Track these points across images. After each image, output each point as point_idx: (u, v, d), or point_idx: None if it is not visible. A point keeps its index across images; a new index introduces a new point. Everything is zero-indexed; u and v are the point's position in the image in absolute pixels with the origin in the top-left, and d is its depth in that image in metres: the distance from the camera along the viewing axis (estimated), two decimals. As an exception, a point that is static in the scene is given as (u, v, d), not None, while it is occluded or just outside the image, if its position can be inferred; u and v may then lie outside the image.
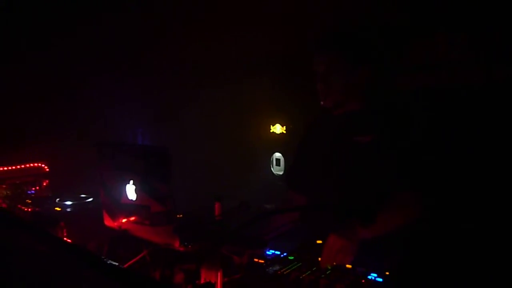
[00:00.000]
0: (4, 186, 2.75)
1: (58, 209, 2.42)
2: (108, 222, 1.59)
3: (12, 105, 3.25)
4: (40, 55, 3.20)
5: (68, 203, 2.48)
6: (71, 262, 0.97)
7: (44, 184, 2.98)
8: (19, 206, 2.40)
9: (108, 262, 0.90)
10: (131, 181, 1.46)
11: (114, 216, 1.56)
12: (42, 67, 3.25)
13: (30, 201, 2.54)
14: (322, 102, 1.91)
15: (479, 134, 2.21)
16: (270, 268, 1.63)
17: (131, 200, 1.47)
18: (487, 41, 2.42)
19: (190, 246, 1.31)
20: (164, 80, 3.89)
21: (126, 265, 1.42)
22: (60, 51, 3.26)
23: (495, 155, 2.14)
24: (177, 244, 1.31)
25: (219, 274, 1.26)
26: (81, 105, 3.55)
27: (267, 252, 1.78)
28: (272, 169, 3.76)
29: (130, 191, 1.47)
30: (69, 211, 2.41)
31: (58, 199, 2.53)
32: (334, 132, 1.94)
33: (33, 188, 2.88)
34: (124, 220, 1.45)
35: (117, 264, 0.91)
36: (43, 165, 3.04)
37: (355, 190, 1.83)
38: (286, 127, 3.68)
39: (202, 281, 1.25)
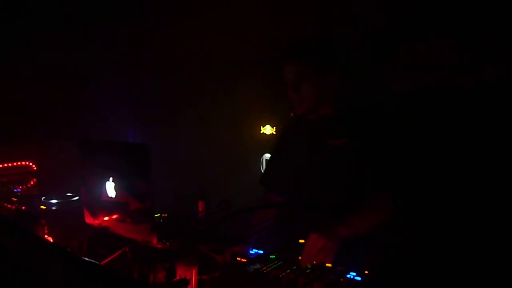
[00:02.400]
0: (-10, 184, 2.75)
1: (43, 207, 2.42)
2: (88, 219, 1.59)
3: (0, 104, 3.24)
4: (28, 55, 3.19)
5: (53, 201, 2.48)
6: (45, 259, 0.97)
7: (31, 182, 2.98)
8: (3, 204, 2.39)
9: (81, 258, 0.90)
10: (111, 179, 1.46)
11: (94, 214, 1.56)
12: (30, 67, 3.24)
13: (15, 199, 2.54)
14: (294, 110, 1.92)
15: (459, 134, 2.24)
16: (251, 266, 1.64)
17: (111, 197, 1.47)
18: (477, 45, 2.44)
19: (168, 243, 1.31)
20: (156, 81, 3.90)
21: (103, 262, 1.42)
22: (49, 51, 3.26)
23: (472, 154, 2.16)
24: (155, 241, 1.31)
25: (194, 271, 1.26)
26: (71, 104, 3.55)
27: (251, 252, 1.78)
28: (262, 169, 3.77)
29: (110, 188, 1.47)
30: (54, 209, 2.41)
31: (43, 197, 2.53)
32: (307, 136, 1.95)
33: (20, 187, 2.88)
34: (106, 218, 1.45)
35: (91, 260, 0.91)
36: (30, 164, 3.03)
37: (329, 192, 1.85)
38: (276, 128, 3.70)
39: (178, 278, 1.26)
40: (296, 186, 1.95)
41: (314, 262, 1.63)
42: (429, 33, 2.62)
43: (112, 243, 1.58)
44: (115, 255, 1.43)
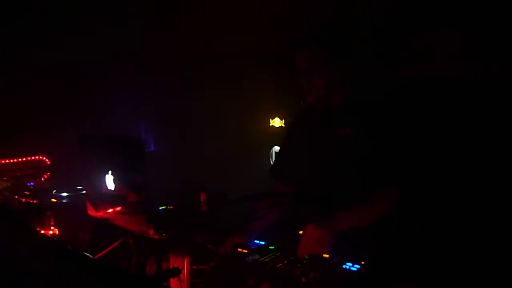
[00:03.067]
0: (5, 178, 2.83)
1: (54, 200, 2.49)
2: (91, 212, 1.64)
3: (14, 99, 3.32)
4: (40, 50, 3.27)
5: (64, 194, 2.54)
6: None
7: (45, 176, 3.05)
8: (16, 197, 2.46)
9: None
10: (110, 172, 1.50)
11: (96, 206, 1.61)
12: (43, 62, 3.31)
13: (28, 193, 2.61)
14: (304, 98, 1.92)
15: (467, 126, 2.22)
16: (250, 257, 1.67)
17: (111, 190, 1.52)
18: (483, 36, 2.41)
19: (164, 234, 1.34)
20: (166, 76, 3.94)
21: (99, 255, 1.46)
22: (60, 47, 3.32)
23: (480, 147, 2.14)
24: (151, 232, 1.35)
25: (186, 260, 1.30)
26: (84, 99, 3.61)
27: (253, 243, 1.81)
28: (271, 162, 3.79)
29: (109, 181, 1.52)
30: (64, 202, 2.48)
31: (54, 191, 2.60)
32: (316, 126, 1.96)
33: (33, 181, 2.95)
34: (110, 210, 1.50)
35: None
36: (44, 158, 3.10)
37: (337, 182, 1.85)
38: (285, 121, 3.71)
39: (170, 266, 1.29)
40: (304, 176, 1.96)
41: (311, 253, 1.65)
42: (436, 24, 2.60)
43: (113, 234, 1.63)
44: (112, 246, 1.47)
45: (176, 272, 1.26)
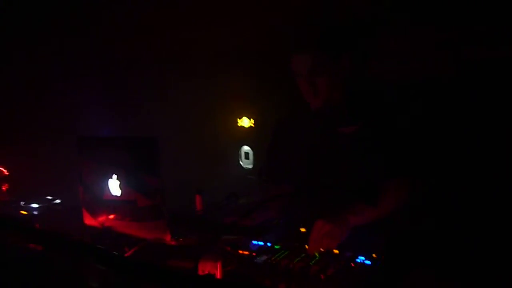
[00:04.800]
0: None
1: (24, 212, 2.31)
2: (88, 220, 1.52)
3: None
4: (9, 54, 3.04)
5: (34, 205, 2.36)
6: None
7: (4, 188, 2.84)
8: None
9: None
10: (114, 176, 1.40)
11: (95, 214, 1.49)
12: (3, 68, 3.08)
13: (-9, 206, 2.40)
14: (309, 102, 1.87)
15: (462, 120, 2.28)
16: (258, 258, 1.62)
17: (115, 196, 1.41)
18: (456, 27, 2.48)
19: (181, 240, 1.27)
20: (131, 74, 3.78)
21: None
22: (22, 50, 3.11)
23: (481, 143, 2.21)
24: (168, 238, 1.27)
25: (218, 265, 1.23)
26: (43, 104, 3.38)
27: (252, 243, 1.77)
28: (240, 162, 3.74)
29: (114, 186, 1.41)
30: (36, 214, 2.30)
31: (23, 202, 2.41)
32: (316, 124, 1.93)
33: (-7, 193, 2.73)
34: (111, 216, 1.39)
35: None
36: (1, 169, 2.89)
37: (341, 179, 1.85)
38: (254, 120, 3.67)
39: (201, 273, 1.22)
40: (305, 176, 1.93)
41: (321, 250, 1.63)
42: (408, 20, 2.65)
43: (116, 244, 1.51)
44: (129, 253, 1.36)
45: (211, 278, 1.19)
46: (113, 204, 1.42)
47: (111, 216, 1.44)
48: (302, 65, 1.79)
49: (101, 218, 1.47)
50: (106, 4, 3.14)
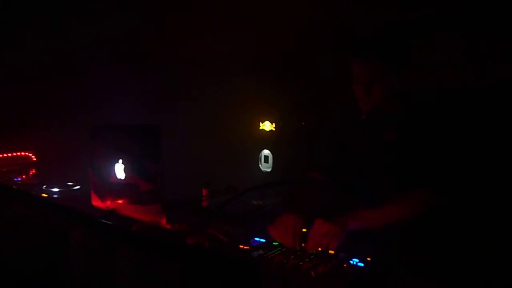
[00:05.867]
0: (-11, 174, 2.76)
1: (45, 195, 2.43)
2: (96, 202, 1.61)
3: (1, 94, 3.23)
4: (27, 45, 3.19)
5: (55, 189, 2.49)
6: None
7: (31, 173, 2.99)
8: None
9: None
10: (120, 161, 1.48)
11: (102, 196, 1.57)
12: (28, 57, 3.23)
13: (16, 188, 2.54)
14: (361, 105, 1.91)
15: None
16: (255, 252, 1.66)
17: (120, 179, 1.49)
18: (481, 43, 2.47)
19: (176, 224, 1.32)
20: (156, 76, 3.90)
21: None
22: (47, 41, 3.25)
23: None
24: (164, 222, 1.33)
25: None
26: (71, 94, 3.53)
27: (253, 240, 1.81)
28: (260, 165, 3.79)
29: (119, 170, 1.49)
30: (55, 198, 2.42)
31: (44, 186, 2.54)
32: (363, 127, 1.96)
33: (20, 176, 2.88)
34: (121, 202, 1.46)
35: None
36: (30, 155, 3.04)
37: (380, 183, 1.88)
38: (275, 125, 3.72)
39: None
40: (347, 173, 1.98)
41: (319, 249, 1.66)
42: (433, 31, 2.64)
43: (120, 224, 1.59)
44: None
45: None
46: (118, 187, 1.50)
47: (116, 199, 1.51)
48: (362, 72, 1.82)
49: (107, 200, 1.55)
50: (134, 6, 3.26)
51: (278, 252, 1.66)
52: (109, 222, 0.88)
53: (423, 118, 1.87)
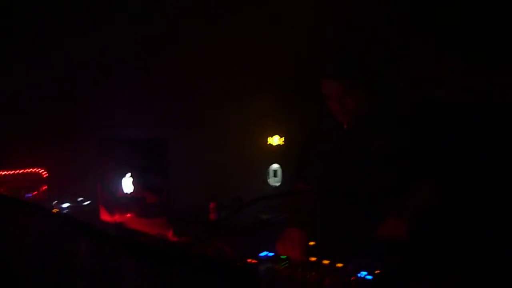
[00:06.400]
0: (1, 189, 2.79)
1: (55, 210, 2.46)
2: (104, 216, 1.62)
3: (13, 111, 3.28)
4: (39, 60, 3.24)
5: (65, 205, 2.52)
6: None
7: (42, 189, 3.02)
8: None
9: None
10: (128, 174, 1.50)
11: (111, 210, 1.59)
12: (40, 73, 3.28)
13: (27, 204, 2.57)
14: (339, 119, 2.00)
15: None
16: (263, 265, 1.66)
17: (127, 193, 1.50)
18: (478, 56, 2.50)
19: (183, 237, 1.33)
20: (166, 91, 3.93)
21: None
22: (58, 56, 3.29)
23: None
24: (170, 235, 1.34)
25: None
26: (80, 109, 3.55)
27: (261, 254, 1.81)
28: (268, 180, 3.78)
29: (127, 184, 1.50)
30: (66, 213, 2.45)
31: (55, 202, 2.57)
32: (347, 137, 2.03)
33: (31, 192, 2.92)
34: (128, 215, 1.48)
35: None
36: (41, 171, 3.07)
37: (370, 188, 1.93)
38: (284, 139, 3.72)
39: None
40: (333, 182, 2.04)
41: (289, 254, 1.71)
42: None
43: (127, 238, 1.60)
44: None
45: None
46: (126, 201, 1.51)
47: (124, 213, 1.53)
48: (332, 90, 1.92)
49: (115, 214, 1.57)
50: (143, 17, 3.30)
51: (286, 265, 1.66)
52: (114, 234, 0.89)
53: (412, 126, 1.95)
